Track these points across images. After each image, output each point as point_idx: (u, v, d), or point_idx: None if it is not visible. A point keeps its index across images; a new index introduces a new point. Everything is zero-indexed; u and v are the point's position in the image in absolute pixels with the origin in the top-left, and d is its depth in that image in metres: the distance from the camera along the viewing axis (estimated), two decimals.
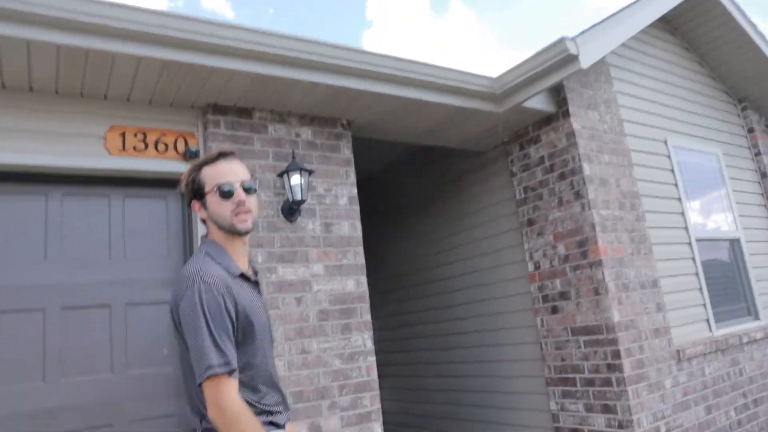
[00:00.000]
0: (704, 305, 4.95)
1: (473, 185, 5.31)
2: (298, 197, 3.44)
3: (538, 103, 4.24)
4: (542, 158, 4.52)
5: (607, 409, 4.01)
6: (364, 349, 3.74)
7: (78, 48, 2.69)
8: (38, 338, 2.91)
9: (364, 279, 3.87)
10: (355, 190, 3.95)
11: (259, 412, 1.64)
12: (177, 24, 2.84)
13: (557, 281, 4.39)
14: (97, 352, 3.03)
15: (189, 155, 3.40)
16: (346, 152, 3.98)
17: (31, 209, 3.06)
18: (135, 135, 3.32)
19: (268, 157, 3.64)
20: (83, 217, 3.20)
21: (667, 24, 5.80)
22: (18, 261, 2.95)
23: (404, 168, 6.25)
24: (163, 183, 3.45)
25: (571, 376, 4.27)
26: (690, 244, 5.01)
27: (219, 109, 3.53)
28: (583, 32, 3.79)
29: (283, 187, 3.58)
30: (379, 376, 3.82)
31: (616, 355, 3.96)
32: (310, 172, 3.55)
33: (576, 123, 4.30)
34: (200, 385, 1.54)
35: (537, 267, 4.57)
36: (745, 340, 5.02)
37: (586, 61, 3.67)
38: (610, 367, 4.00)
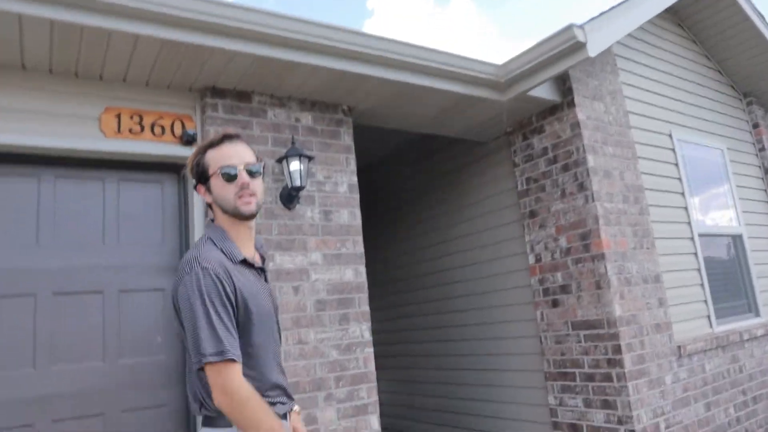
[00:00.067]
0: (705, 301, 4.90)
1: (474, 176, 5.23)
2: (297, 183, 3.36)
3: (543, 92, 4.16)
4: (546, 149, 4.45)
5: (606, 405, 3.96)
6: (361, 340, 3.68)
7: (72, 24, 2.59)
8: (29, 324, 2.83)
9: (363, 268, 3.80)
10: (355, 178, 3.87)
11: None
12: (176, 2, 2.74)
13: (558, 274, 4.33)
14: (89, 339, 2.96)
15: (186, 139, 3.32)
16: (347, 139, 3.89)
17: (22, 191, 2.98)
18: (131, 117, 3.23)
19: (267, 143, 3.55)
20: (77, 200, 3.12)
21: (675, 15, 5.71)
22: (9, 244, 2.87)
23: (404, 158, 6.17)
24: (159, 167, 3.38)
25: (570, 370, 4.22)
26: (692, 239, 4.95)
27: (217, 92, 3.45)
28: (591, 20, 3.71)
29: (282, 174, 3.50)
30: (377, 368, 3.76)
31: (617, 350, 3.91)
32: (310, 158, 3.47)
33: (581, 113, 4.22)
34: (200, 370, 1.52)
35: (538, 259, 4.50)
36: (745, 337, 4.98)
37: (594, 49, 3.59)
38: (611, 362, 3.94)
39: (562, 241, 4.30)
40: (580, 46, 3.59)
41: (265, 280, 1.80)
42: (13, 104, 2.92)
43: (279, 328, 1.86)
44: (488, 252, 5.04)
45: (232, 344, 1.53)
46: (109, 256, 3.11)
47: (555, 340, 4.34)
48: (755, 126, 6.33)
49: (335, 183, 3.78)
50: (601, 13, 3.84)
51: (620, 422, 3.87)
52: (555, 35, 3.66)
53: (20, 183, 2.98)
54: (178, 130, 3.34)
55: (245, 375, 1.57)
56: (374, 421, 3.59)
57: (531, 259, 4.57)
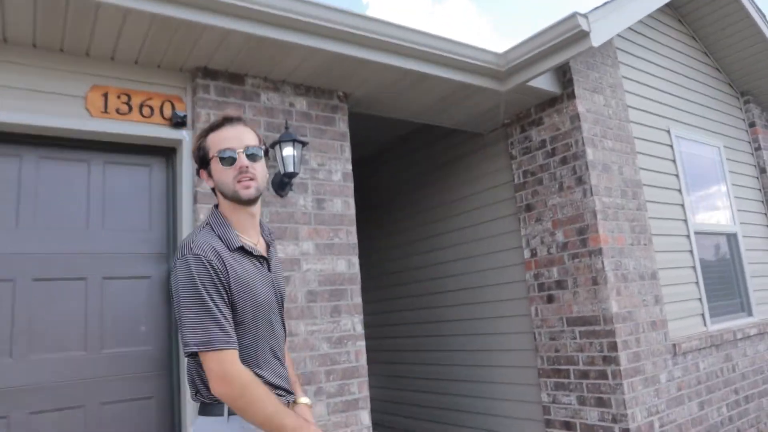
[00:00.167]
0: (700, 299, 4.86)
1: (470, 168, 5.14)
2: (290, 169, 3.25)
3: (543, 83, 4.07)
4: (544, 141, 4.36)
5: (600, 403, 3.90)
6: (353, 333, 3.58)
7: None
8: (6, 311, 2.70)
9: (356, 260, 3.70)
10: (349, 166, 3.77)
11: None
12: None
13: (554, 269, 4.26)
14: (71, 327, 2.83)
15: (176, 121, 3.19)
16: (342, 126, 3.78)
17: (3, 171, 2.84)
18: (118, 97, 3.09)
19: (260, 127, 3.43)
20: (60, 182, 2.98)
21: (675, 11, 5.65)
22: None
23: (399, 149, 6.07)
24: (147, 150, 3.25)
25: (564, 367, 4.15)
26: (689, 236, 4.90)
27: (209, 73, 3.32)
28: (595, 8, 3.62)
29: (274, 159, 3.39)
30: (368, 362, 3.66)
31: (613, 347, 3.84)
32: (304, 144, 3.35)
33: (581, 106, 4.14)
34: (190, 356, 1.50)
35: (533, 254, 4.42)
36: (739, 336, 4.95)
37: (597, 39, 3.50)
38: (606, 360, 3.88)
39: (559, 236, 4.22)
40: (583, 35, 3.50)
41: (268, 269, 1.72)
42: None
43: (283, 319, 1.80)
44: (483, 246, 4.96)
45: (228, 331, 1.49)
46: (93, 242, 2.99)
47: (549, 337, 4.27)
48: (751, 125, 6.30)
49: (329, 171, 3.67)
50: (606, 2, 3.75)
51: (614, 420, 3.81)
52: (558, 24, 3.56)
53: (1, 162, 2.84)
54: (167, 112, 3.21)
55: None
56: (365, 417, 3.49)
57: (526, 254, 4.49)
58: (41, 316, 2.77)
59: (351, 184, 3.75)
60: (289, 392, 1.70)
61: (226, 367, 1.45)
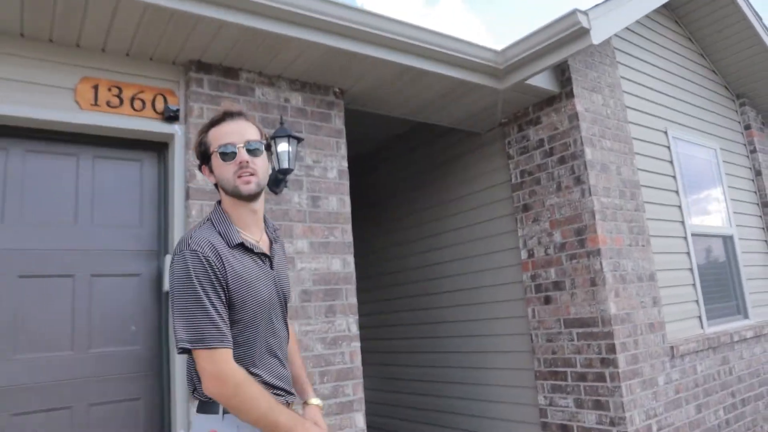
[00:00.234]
0: (697, 301, 4.82)
1: (467, 168, 5.08)
2: (285, 165, 3.18)
3: (542, 81, 4.03)
4: (542, 141, 4.31)
5: (598, 406, 3.84)
6: (348, 333, 3.51)
7: None
8: None
9: (351, 259, 3.63)
10: (345, 163, 3.70)
11: None
12: None
13: (551, 270, 4.20)
14: (57, 326, 2.74)
15: (168, 115, 3.11)
16: (338, 122, 3.72)
17: None
18: (109, 89, 3.01)
19: None
20: (48, 176, 2.89)
21: (672, 12, 5.63)
22: None
23: (395, 148, 6.01)
24: (139, 144, 3.17)
25: (561, 369, 4.09)
26: (686, 238, 4.87)
27: (203, 67, 3.24)
28: (595, 6, 3.57)
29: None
30: (362, 363, 3.59)
31: (611, 349, 3.79)
32: (299, 140, 3.28)
33: (579, 105, 4.10)
34: (183, 352, 1.47)
35: (531, 255, 4.37)
36: (735, 338, 4.91)
37: (597, 37, 3.46)
38: (604, 362, 3.83)
39: (557, 236, 4.17)
40: (583, 33, 3.45)
41: (271, 266, 1.69)
42: None
43: (286, 318, 1.76)
44: (479, 246, 4.90)
45: (222, 330, 1.46)
46: (81, 238, 2.90)
47: (546, 338, 4.21)
48: (747, 127, 6.29)
49: (324, 168, 3.60)
50: (605, 0, 3.71)
51: (612, 424, 3.75)
52: (558, 21, 3.52)
53: None
54: (159, 106, 3.13)
55: None
56: (360, 419, 3.42)
57: (523, 254, 4.43)
58: (27, 315, 2.68)
59: (347, 182, 3.69)
60: (289, 392, 1.66)
61: (219, 366, 1.43)
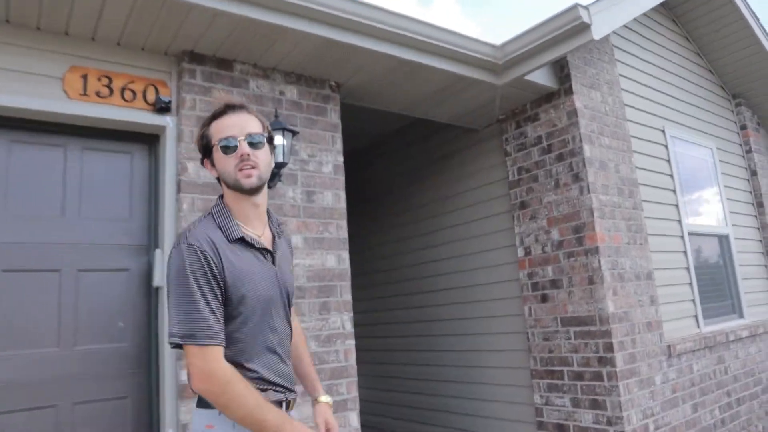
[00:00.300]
0: (693, 301, 4.79)
1: (464, 164, 5.02)
2: (279, 159, 3.11)
3: (540, 77, 3.97)
4: (540, 138, 4.26)
5: (595, 405, 3.80)
6: (342, 331, 3.45)
7: None
8: None
9: (346, 255, 3.56)
10: (341, 158, 3.63)
11: None
12: None
13: (549, 268, 4.15)
14: (42, 322, 2.65)
15: (160, 106, 3.03)
16: (334, 116, 3.65)
17: None
18: (99, 79, 2.93)
19: None
20: (34, 168, 2.80)
21: (670, 11, 5.59)
22: None
23: (391, 144, 5.94)
24: (129, 136, 3.08)
25: (558, 368, 4.05)
26: (683, 237, 4.84)
27: (196, 58, 3.16)
28: (596, 0, 3.52)
29: None
30: (357, 361, 3.53)
31: (609, 348, 3.75)
32: (294, 133, 3.21)
33: (578, 101, 4.05)
34: (175, 347, 1.46)
35: (527, 252, 4.32)
36: (731, 338, 4.89)
37: (598, 32, 3.41)
38: (602, 361, 3.78)
39: (554, 234, 4.12)
40: (584, 28, 3.40)
41: (273, 262, 1.66)
42: None
43: (289, 315, 1.73)
44: (476, 244, 4.84)
45: (214, 326, 1.45)
46: (68, 232, 2.81)
47: (543, 337, 4.16)
48: (743, 127, 6.27)
49: (319, 162, 3.53)
50: None
51: (609, 423, 3.71)
52: (558, 15, 3.46)
53: None
54: (151, 96, 3.05)
55: (230, 361, 1.49)
56: (354, 419, 3.36)
57: (520, 252, 4.38)
58: (11, 310, 2.59)
59: (342, 177, 3.62)
60: (290, 390, 1.64)
61: (209, 363, 1.42)
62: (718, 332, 4.80)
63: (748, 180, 6.18)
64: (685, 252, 4.82)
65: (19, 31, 2.75)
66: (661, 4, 5.37)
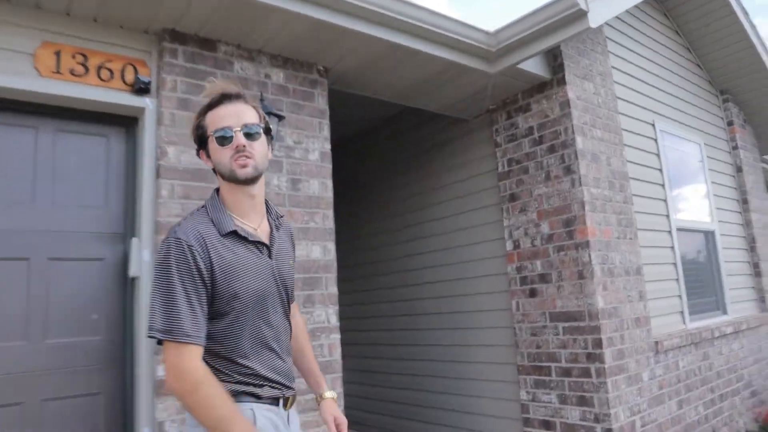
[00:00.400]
0: (680, 296, 4.77)
1: (454, 155, 4.92)
2: None
3: (534, 66, 3.88)
4: (531, 129, 4.18)
5: (583, 402, 3.74)
6: (327, 325, 3.34)
7: None
8: None
9: (332, 246, 3.44)
10: (328, 146, 3.50)
11: (236, 382, 1.52)
12: None
13: (538, 262, 4.08)
14: (9, 314, 2.49)
15: (138, 87, 2.86)
16: (321, 102, 3.51)
17: None
18: (73, 56, 2.75)
19: None
20: (2, 150, 2.63)
21: (662, 5, 5.54)
22: None
23: (379, 134, 5.82)
24: (105, 118, 2.91)
25: (545, 364, 3.99)
26: (671, 232, 4.80)
27: (178, 37, 3.00)
28: None
29: None
30: (342, 356, 3.42)
31: (598, 344, 3.69)
32: (280, 118, 3.08)
33: (571, 92, 3.96)
34: (159, 343, 1.45)
35: (516, 246, 4.24)
36: (716, 334, 4.88)
37: (595, 20, 3.32)
38: (590, 357, 3.72)
39: (544, 227, 4.04)
40: (580, 15, 3.31)
41: (269, 255, 1.63)
42: None
43: (286, 309, 1.70)
44: (464, 236, 4.75)
45: (193, 324, 1.42)
46: (39, 218, 2.65)
47: (530, 332, 4.10)
48: (730, 123, 6.27)
49: (306, 149, 3.40)
50: None
51: (597, 420, 3.66)
52: (554, 2, 3.36)
53: None
54: (129, 77, 2.89)
55: (224, 357, 1.51)
56: None
57: (509, 246, 4.30)
58: None
59: (329, 165, 3.49)
60: (287, 387, 1.63)
61: (182, 361, 1.40)
62: (704, 328, 4.79)
63: (733, 176, 6.18)
64: (672, 247, 4.79)
65: None
66: None
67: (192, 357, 1.41)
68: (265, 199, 1.72)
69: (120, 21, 2.86)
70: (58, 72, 2.69)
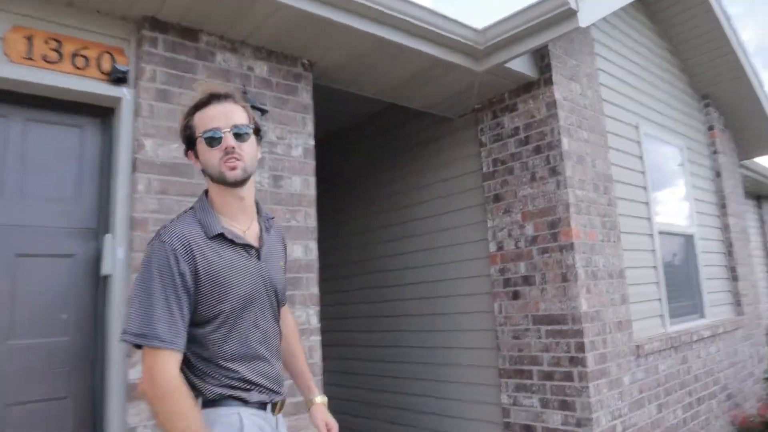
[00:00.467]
0: (660, 300, 4.78)
1: (439, 154, 4.85)
2: None
3: (521, 65, 3.84)
4: (517, 129, 4.13)
5: (564, 406, 3.71)
6: (308, 326, 3.25)
7: None
8: None
9: (314, 245, 3.35)
10: (312, 142, 3.41)
11: (223, 386, 1.49)
12: None
13: (521, 264, 4.04)
14: None
15: (116, 76, 2.74)
16: (305, 97, 3.42)
17: None
18: (46, 42, 2.62)
19: None
20: None
21: (646, 8, 5.54)
22: None
23: (364, 130, 5.72)
24: (80, 108, 2.78)
25: (527, 368, 3.95)
26: (652, 235, 4.81)
27: (158, 25, 2.88)
28: None
29: None
30: (321, 357, 3.34)
31: (580, 347, 3.66)
32: (264, 112, 2.98)
33: (558, 92, 3.93)
34: (138, 347, 1.41)
35: (500, 247, 4.20)
36: (695, 338, 4.90)
37: (585, 19, 3.28)
38: (573, 361, 3.70)
39: (528, 229, 4.00)
40: (570, 14, 3.27)
41: (258, 257, 1.61)
42: None
43: (276, 313, 1.67)
44: (446, 237, 4.69)
45: (170, 330, 1.39)
46: (6, 212, 2.51)
47: (512, 335, 4.06)
48: (710, 128, 6.32)
49: (289, 145, 3.30)
50: None
51: (578, 425, 3.63)
52: (544, 0, 3.32)
53: None
54: (106, 65, 2.76)
55: (209, 361, 1.48)
56: None
57: (492, 247, 4.26)
58: None
59: (312, 162, 3.40)
60: (276, 392, 1.59)
61: (155, 366, 1.37)
62: (683, 332, 4.81)
63: (713, 180, 6.23)
64: (653, 251, 4.80)
65: None
66: (639, 0, 5.32)
67: (166, 362, 1.38)
68: (256, 201, 1.68)
69: (97, 6, 2.74)
70: (29, 58, 2.56)
